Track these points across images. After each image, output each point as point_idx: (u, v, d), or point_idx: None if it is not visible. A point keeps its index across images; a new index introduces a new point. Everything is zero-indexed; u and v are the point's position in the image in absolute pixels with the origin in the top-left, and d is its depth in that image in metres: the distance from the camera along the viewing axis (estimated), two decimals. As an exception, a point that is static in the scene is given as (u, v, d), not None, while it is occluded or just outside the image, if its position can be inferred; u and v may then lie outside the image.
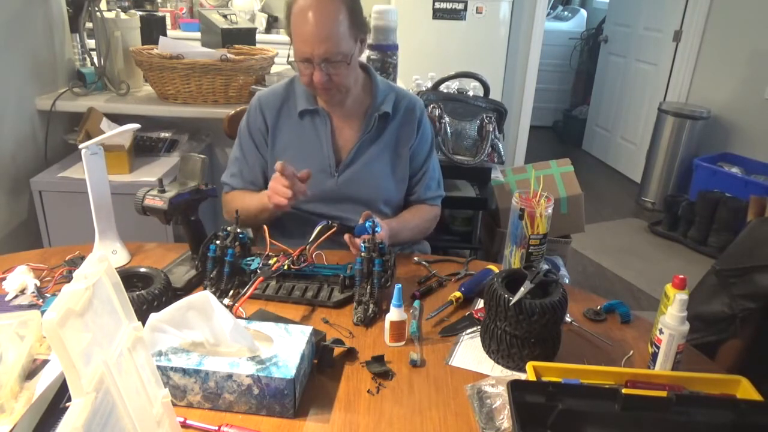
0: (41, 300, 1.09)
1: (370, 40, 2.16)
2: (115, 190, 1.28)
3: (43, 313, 0.98)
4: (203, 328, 0.86)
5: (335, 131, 1.43)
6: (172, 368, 0.83)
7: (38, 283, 1.14)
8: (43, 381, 0.86)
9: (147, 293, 1.03)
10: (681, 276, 0.96)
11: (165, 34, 2.36)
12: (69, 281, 0.59)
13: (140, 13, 2.41)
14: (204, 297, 0.85)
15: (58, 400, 0.77)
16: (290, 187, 1.20)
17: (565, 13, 5.89)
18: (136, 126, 1.32)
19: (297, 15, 1.26)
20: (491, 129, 2.10)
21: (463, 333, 1.07)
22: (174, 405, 0.77)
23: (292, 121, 1.43)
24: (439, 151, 1.97)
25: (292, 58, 1.33)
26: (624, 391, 0.80)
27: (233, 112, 1.73)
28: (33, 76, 2.01)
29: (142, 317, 0.76)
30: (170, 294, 1.07)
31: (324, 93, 1.34)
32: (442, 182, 1.58)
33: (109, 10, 2.33)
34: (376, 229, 1.18)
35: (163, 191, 1.15)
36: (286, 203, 1.21)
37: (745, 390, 0.87)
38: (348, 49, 1.29)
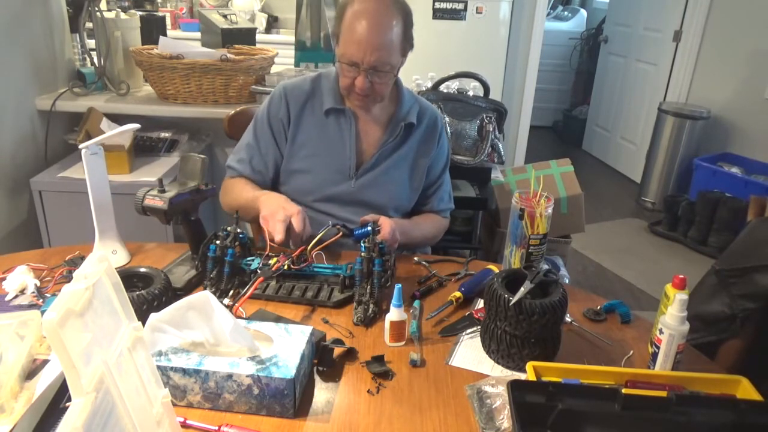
0: (41, 300, 1.09)
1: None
2: (115, 190, 1.27)
3: (43, 313, 0.98)
4: (203, 328, 0.86)
5: (359, 134, 1.42)
6: (172, 368, 0.83)
7: (38, 283, 1.14)
8: (43, 381, 0.86)
9: (147, 293, 1.03)
10: (681, 276, 0.96)
11: (165, 34, 2.36)
12: (69, 281, 0.59)
13: (140, 13, 2.42)
14: (204, 297, 0.85)
15: (58, 400, 0.77)
16: (288, 236, 1.19)
17: (565, 13, 5.89)
18: (136, 126, 1.32)
19: (352, 18, 1.25)
20: (491, 129, 2.10)
21: (463, 333, 1.07)
22: (174, 405, 0.77)
23: (316, 118, 1.42)
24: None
25: (336, 60, 1.32)
26: (624, 391, 0.80)
27: (233, 112, 1.73)
28: (33, 76, 2.01)
29: (142, 317, 0.76)
30: (170, 294, 1.07)
31: (361, 99, 1.33)
32: (452, 197, 1.59)
33: (109, 10, 2.33)
34: (376, 229, 1.18)
35: (163, 191, 1.15)
36: (281, 240, 1.19)
37: (745, 390, 0.87)
38: (396, 61, 1.30)
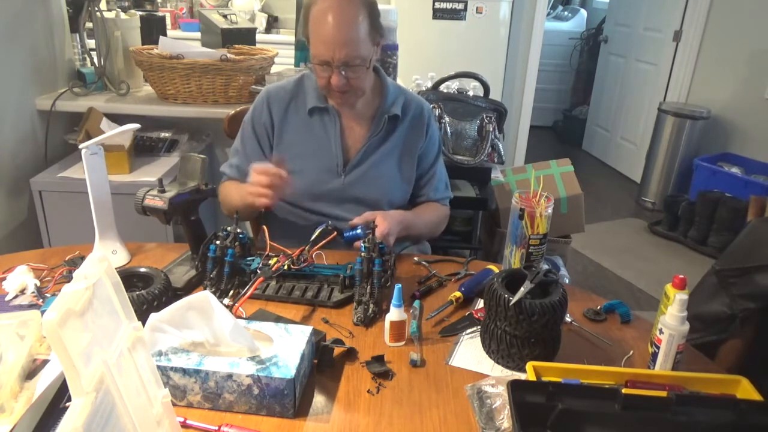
0: (41, 300, 1.09)
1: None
2: (115, 190, 1.27)
3: (43, 313, 0.98)
4: (203, 328, 0.86)
5: (344, 131, 1.43)
6: (172, 368, 0.83)
7: (38, 283, 1.14)
8: (43, 381, 0.86)
9: (147, 293, 1.03)
10: (681, 276, 0.96)
11: (165, 34, 2.36)
12: (69, 281, 0.59)
13: (140, 13, 2.41)
14: (204, 297, 0.85)
15: (58, 400, 0.77)
16: (270, 185, 1.20)
17: (565, 13, 5.89)
18: (136, 126, 1.32)
19: (317, 17, 1.25)
20: (491, 129, 2.10)
21: (463, 333, 1.07)
22: (174, 405, 0.77)
23: (301, 119, 1.43)
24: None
25: (309, 62, 1.33)
26: (624, 391, 0.80)
27: (233, 112, 1.73)
28: (33, 76, 2.01)
29: (142, 317, 0.76)
30: (170, 294, 1.07)
31: (339, 96, 1.33)
32: (449, 185, 1.58)
33: (109, 10, 2.33)
34: (366, 231, 1.18)
35: (163, 191, 1.15)
36: (269, 202, 1.21)
37: (745, 390, 0.87)
38: (367, 53, 1.29)
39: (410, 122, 1.46)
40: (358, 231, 1.19)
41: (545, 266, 1.03)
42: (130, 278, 1.09)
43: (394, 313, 1.00)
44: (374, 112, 1.44)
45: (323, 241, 1.19)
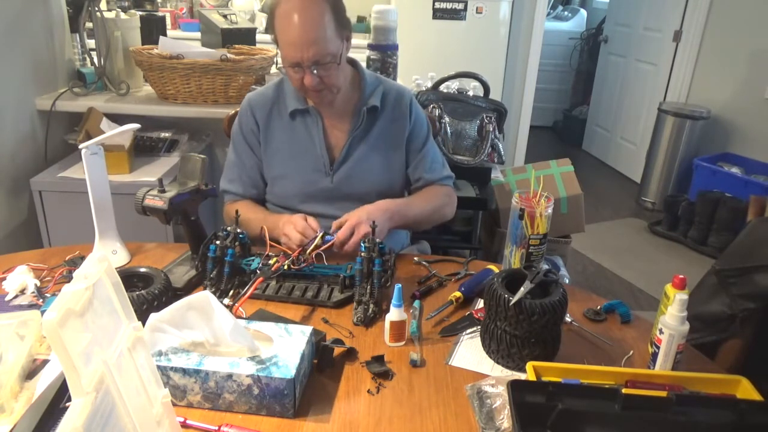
0: (41, 300, 1.09)
1: (369, 40, 2.16)
2: (115, 190, 1.27)
3: (43, 313, 0.98)
4: (203, 328, 0.86)
5: (327, 130, 1.43)
6: (172, 368, 0.83)
7: (38, 283, 1.14)
8: (43, 381, 0.86)
9: (147, 293, 1.03)
10: (681, 276, 0.96)
11: (165, 34, 2.36)
12: (69, 281, 0.59)
13: (140, 13, 2.41)
14: (204, 297, 0.85)
15: (58, 400, 0.78)
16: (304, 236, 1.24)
17: (565, 13, 5.89)
18: (136, 126, 1.32)
19: (282, 19, 1.25)
20: (491, 129, 2.10)
21: (463, 333, 1.07)
22: (174, 405, 0.77)
23: (284, 122, 1.43)
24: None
25: (281, 65, 1.32)
26: (624, 391, 0.80)
27: (233, 112, 1.73)
28: (33, 76, 2.01)
29: (142, 317, 0.76)
30: (170, 294, 1.07)
31: (316, 95, 1.33)
32: (447, 165, 1.55)
33: (109, 10, 2.33)
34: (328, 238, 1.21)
35: (163, 191, 1.15)
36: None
37: (745, 390, 0.87)
38: (336, 50, 1.28)
39: (391, 111, 1.45)
40: (331, 237, 1.21)
41: (545, 266, 1.03)
42: (130, 278, 1.09)
43: (394, 313, 1.00)
44: (354, 107, 1.43)
45: (323, 247, 1.18)
